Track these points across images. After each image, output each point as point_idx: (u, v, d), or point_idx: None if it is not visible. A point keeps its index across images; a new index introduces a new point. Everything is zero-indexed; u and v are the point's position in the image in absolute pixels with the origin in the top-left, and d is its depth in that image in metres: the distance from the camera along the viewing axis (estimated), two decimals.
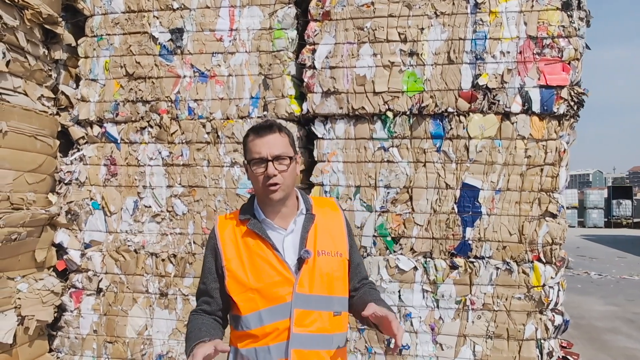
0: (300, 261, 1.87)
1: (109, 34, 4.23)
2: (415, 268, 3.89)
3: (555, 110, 3.73)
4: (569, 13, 3.71)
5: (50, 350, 4.20)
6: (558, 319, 3.83)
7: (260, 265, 1.87)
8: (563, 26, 3.71)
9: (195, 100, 4.12)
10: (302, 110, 4.04)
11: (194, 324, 1.93)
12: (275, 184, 1.85)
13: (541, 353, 3.78)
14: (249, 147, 1.91)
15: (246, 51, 4.07)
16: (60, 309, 4.21)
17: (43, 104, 4.02)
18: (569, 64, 3.72)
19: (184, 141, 4.13)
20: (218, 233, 1.98)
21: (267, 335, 1.84)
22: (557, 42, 3.72)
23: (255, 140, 1.89)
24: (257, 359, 1.85)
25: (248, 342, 1.88)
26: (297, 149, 2.03)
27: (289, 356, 1.82)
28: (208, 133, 4.09)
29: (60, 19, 4.09)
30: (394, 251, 3.94)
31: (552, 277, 3.77)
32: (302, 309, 1.84)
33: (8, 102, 3.66)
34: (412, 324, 3.89)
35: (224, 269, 1.92)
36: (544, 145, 3.78)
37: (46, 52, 4.05)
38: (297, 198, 2.02)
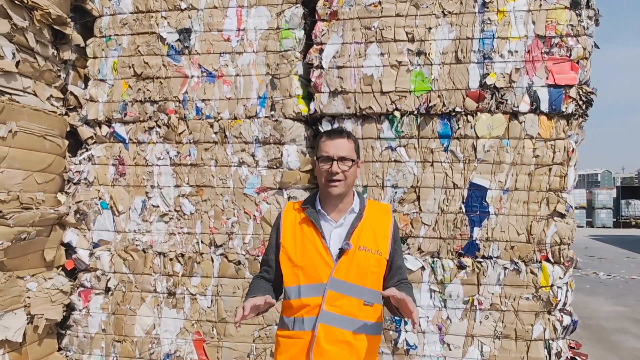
0: (342, 251, 2.14)
1: (117, 35, 4.25)
2: (422, 268, 3.89)
3: (564, 110, 3.72)
4: (577, 12, 3.69)
5: (59, 349, 4.23)
6: (566, 319, 3.81)
7: (307, 247, 2.18)
8: (572, 25, 3.69)
9: (203, 100, 4.13)
10: (309, 110, 4.04)
11: (252, 286, 2.30)
12: (337, 181, 2.15)
13: (549, 353, 3.77)
14: (320, 146, 2.22)
15: (254, 51, 4.07)
16: (69, 307, 4.24)
17: (52, 104, 4.05)
18: (577, 63, 3.71)
19: (191, 141, 4.15)
20: (283, 215, 2.32)
21: (302, 308, 2.14)
22: (565, 41, 3.70)
23: (327, 141, 2.20)
24: (294, 327, 2.17)
25: (289, 312, 2.20)
26: (360, 155, 2.32)
27: (316, 329, 2.10)
28: (216, 133, 4.10)
29: (69, 20, 4.11)
30: (402, 251, 3.93)
31: (560, 277, 3.76)
32: (335, 292, 2.11)
33: (18, 102, 3.68)
34: (419, 324, 3.89)
35: (280, 245, 2.25)
36: (552, 145, 3.77)
37: (55, 52, 4.07)
38: (353, 197, 2.29)
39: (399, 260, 2.33)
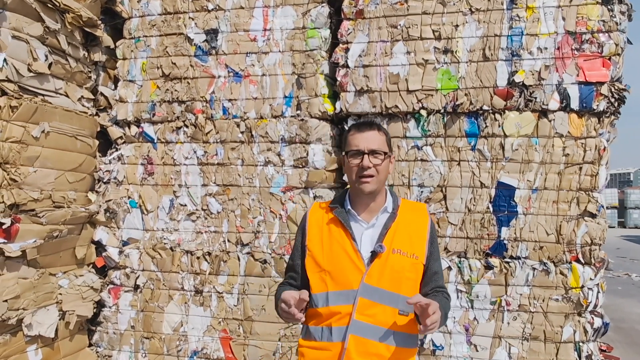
0: (374, 254, 1.97)
1: (146, 36, 4.31)
2: (449, 268, 3.85)
3: (595, 107, 3.64)
4: (609, 7, 3.61)
5: (90, 345, 4.31)
6: (597, 322, 3.73)
7: (336, 250, 2.00)
8: (603, 21, 3.61)
9: (230, 100, 4.16)
10: (335, 109, 4.04)
11: (280, 291, 2.10)
12: (369, 176, 1.99)
13: (580, 356, 3.69)
14: (349, 140, 2.06)
15: (280, 51, 4.09)
16: (99, 304, 4.32)
17: (83, 105, 4.13)
18: (609, 59, 3.62)
19: (218, 140, 4.19)
20: (308, 216, 2.15)
21: (331, 316, 1.96)
22: (596, 37, 3.62)
23: (356, 134, 2.04)
24: (321, 337, 1.99)
25: (316, 321, 2.02)
26: (392, 149, 2.13)
27: (346, 340, 1.92)
28: (242, 132, 4.13)
29: (99, 22, 4.20)
30: None
31: (591, 279, 3.68)
32: (367, 299, 1.93)
33: (50, 103, 3.77)
34: (445, 325, 3.85)
35: (305, 247, 2.08)
36: (582, 143, 3.69)
37: (86, 54, 4.16)
38: (386, 196, 2.12)
39: (435, 265, 2.12)
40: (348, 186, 2.18)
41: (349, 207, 2.08)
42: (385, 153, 2.03)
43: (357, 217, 2.06)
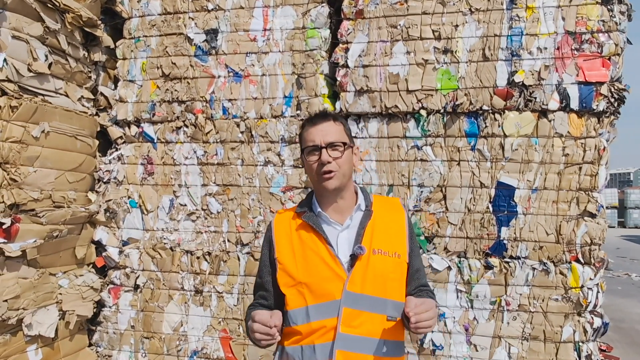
0: (354, 258, 1.79)
1: (146, 36, 4.31)
2: (449, 268, 3.85)
3: (595, 107, 3.64)
4: (609, 7, 3.61)
5: (90, 345, 4.31)
6: (597, 322, 3.73)
7: (311, 259, 1.81)
8: (603, 21, 3.61)
9: (230, 100, 4.16)
10: (335, 109, 4.04)
11: (250, 313, 1.89)
12: (330, 172, 1.82)
13: (579, 356, 3.70)
14: (304, 136, 1.91)
15: (279, 51, 4.09)
16: (99, 304, 4.33)
17: (83, 105, 4.13)
18: (609, 59, 3.62)
19: (218, 140, 4.19)
20: (274, 225, 1.96)
21: (313, 333, 1.77)
22: (596, 37, 3.62)
23: (310, 129, 1.88)
24: (302, 358, 1.78)
25: (294, 340, 1.82)
26: (353, 140, 1.97)
27: (333, 357, 1.73)
28: (242, 132, 4.14)
29: (99, 22, 4.20)
30: (428, 250, 3.91)
31: (590, 279, 3.68)
32: (352, 309, 1.76)
33: (50, 103, 3.77)
34: (445, 324, 3.86)
35: (275, 261, 1.89)
36: (582, 143, 3.69)
37: (86, 54, 4.16)
38: (356, 193, 1.97)
39: (417, 262, 1.97)
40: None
41: (319, 209, 1.90)
42: (344, 144, 1.86)
43: (329, 219, 1.88)
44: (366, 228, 1.85)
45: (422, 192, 3.92)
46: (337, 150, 1.83)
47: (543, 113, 3.73)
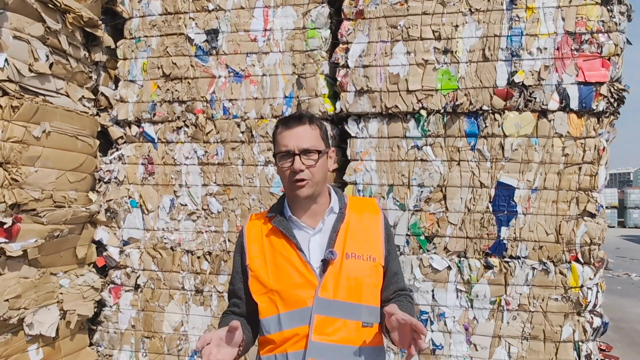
0: (325, 263, 1.73)
1: (146, 36, 4.32)
2: (449, 267, 3.86)
3: (594, 108, 3.65)
4: (609, 7, 3.61)
5: (91, 344, 4.32)
6: (597, 321, 3.74)
7: (282, 265, 1.75)
8: (603, 21, 3.62)
9: (230, 100, 4.17)
10: (335, 109, 4.05)
11: (222, 323, 1.87)
12: (302, 180, 1.73)
13: (579, 355, 3.70)
14: (277, 139, 1.81)
15: (280, 51, 4.10)
16: (100, 304, 4.33)
17: (84, 105, 4.13)
18: (608, 59, 3.63)
19: (219, 140, 4.20)
20: (245, 231, 1.90)
21: (286, 342, 1.72)
22: (596, 37, 3.63)
23: (284, 132, 1.77)
24: None
25: (269, 349, 1.77)
26: (330, 143, 1.89)
27: None
28: (242, 132, 4.14)
29: (100, 22, 4.20)
30: (428, 250, 3.92)
31: (590, 278, 3.69)
32: (324, 316, 1.69)
33: (51, 103, 3.77)
34: (445, 324, 3.86)
35: (247, 268, 1.83)
36: (582, 143, 3.70)
37: (87, 54, 4.16)
38: (330, 196, 1.89)
39: (395, 266, 1.89)
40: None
41: (290, 213, 1.83)
42: (319, 152, 1.76)
43: (301, 223, 1.81)
44: (338, 231, 1.79)
45: (422, 192, 3.93)
46: (310, 159, 1.74)
47: (543, 113, 3.74)
